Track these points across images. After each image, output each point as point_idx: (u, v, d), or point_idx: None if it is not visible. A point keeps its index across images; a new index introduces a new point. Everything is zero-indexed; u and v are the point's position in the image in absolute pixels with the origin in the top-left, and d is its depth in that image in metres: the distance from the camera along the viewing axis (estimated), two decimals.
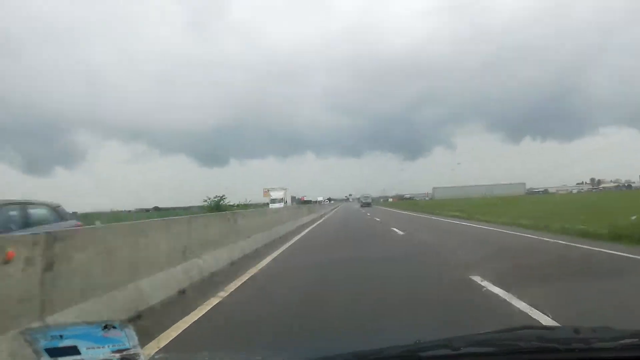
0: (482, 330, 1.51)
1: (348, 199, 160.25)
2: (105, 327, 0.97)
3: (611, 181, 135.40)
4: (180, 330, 3.79)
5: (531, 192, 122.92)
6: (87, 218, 17.60)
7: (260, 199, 60.48)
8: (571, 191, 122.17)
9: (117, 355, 1.00)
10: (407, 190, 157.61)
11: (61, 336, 0.95)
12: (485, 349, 1.32)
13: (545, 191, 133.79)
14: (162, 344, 3.43)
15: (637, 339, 1.29)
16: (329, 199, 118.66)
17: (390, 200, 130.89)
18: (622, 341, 1.28)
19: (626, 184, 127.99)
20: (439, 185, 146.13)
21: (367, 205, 67.19)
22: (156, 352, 3.17)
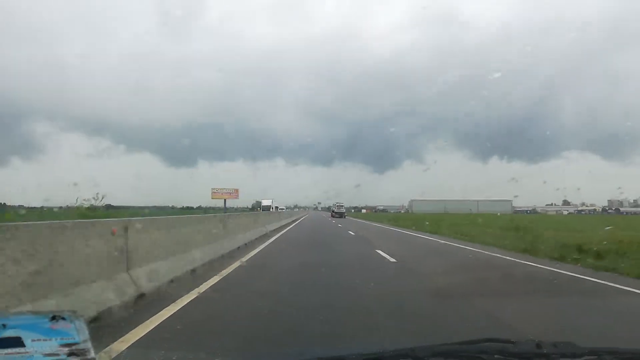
0: None
1: (317, 207, 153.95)
2: (54, 318, 0.90)
3: (587, 205, 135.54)
4: (216, 280, 6.60)
5: (518, 211, 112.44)
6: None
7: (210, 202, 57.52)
8: (561, 212, 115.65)
9: (65, 349, 0.93)
10: (379, 202, 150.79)
11: (4, 325, 0.88)
12: (449, 359, 1.32)
13: (534, 210, 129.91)
14: (206, 287, 6.00)
15: (596, 357, 1.32)
16: (295, 207, 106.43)
17: (364, 211, 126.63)
18: (583, 358, 1.30)
19: (611, 208, 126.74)
20: (415, 198, 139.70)
21: (340, 215, 55.05)
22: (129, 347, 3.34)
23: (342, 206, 59.86)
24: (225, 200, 58.62)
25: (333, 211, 59.47)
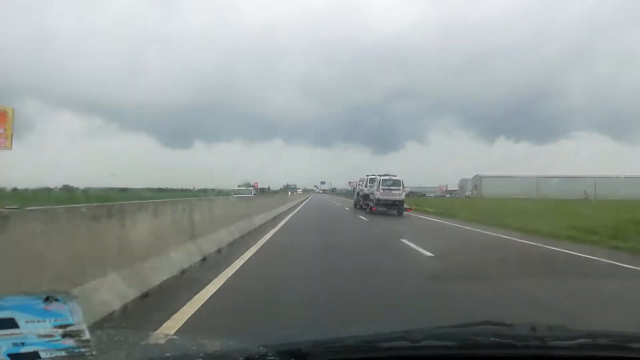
0: None
1: (316, 189, 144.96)
2: (47, 299, 0.89)
3: None
4: (256, 249, 8.44)
5: None
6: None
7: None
8: None
9: (60, 330, 0.93)
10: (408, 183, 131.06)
11: None
12: (443, 342, 1.33)
13: None
14: (248, 255, 7.66)
15: (591, 339, 1.33)
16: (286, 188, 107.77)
17: None
18: (577, 341, 1.31)
19: None
20: (483, 173, 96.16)
21: (395, 208, 22.05)
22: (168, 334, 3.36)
23: (398, 183, 22.53)
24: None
25: (374, 198, 22.97)
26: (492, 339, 1.33)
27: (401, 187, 22.18)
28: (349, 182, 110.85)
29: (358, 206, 28.72)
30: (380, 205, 22.02)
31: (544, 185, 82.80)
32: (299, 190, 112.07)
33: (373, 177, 24.82)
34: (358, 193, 30.17)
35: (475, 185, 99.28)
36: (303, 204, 38.93)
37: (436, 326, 1.45)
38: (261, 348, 1.20)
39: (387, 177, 22.48)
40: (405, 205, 22.77)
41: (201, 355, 1.20)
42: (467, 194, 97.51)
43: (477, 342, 1.31)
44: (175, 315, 3.91)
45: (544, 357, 1.29)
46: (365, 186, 26.42)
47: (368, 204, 24.20)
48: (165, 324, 3.67)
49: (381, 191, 21.92)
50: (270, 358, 1.17)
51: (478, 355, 1.30)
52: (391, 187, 22.00)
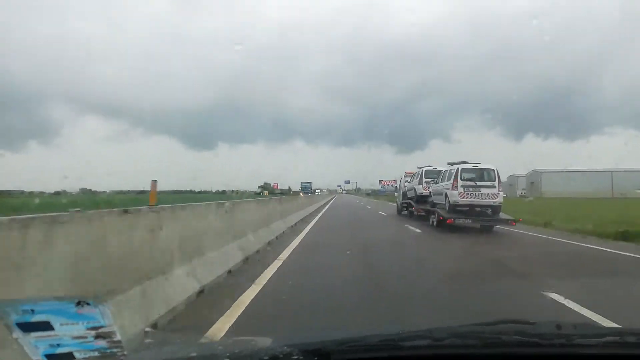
0: None
1: (339, 190, 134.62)
2: (79, 303, 0.96)
3: None
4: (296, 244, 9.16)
5: None
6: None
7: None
8: None
9: (93, 332, 0.99)
10: None
11: (32, 311, 0.94)
12: (466, 341, 1.32)
13: None
14: (291, 248, 8.81)
15: (617, 337, 1.30)
16: (301, 188, 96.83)
17: None
18: (604, 338, 1.28)
19: None
20: (541, 168, 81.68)
21: (485, 215, 13.30)
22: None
23: (491, 175, 13.45)
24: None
25: (446, 202, 13.90)
26: (515, 337, 1.31)
27: (497, 183, 13.18)
28: (380, 181, 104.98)
29: (406, 212, 21.03)
30: (458, 213, 13.12)
31: (621, 181, 69.64)
32: (318, 191, 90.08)
33: (432, 169, 18.26)
34: (404, 194, 21.63)
35: (532, 183, 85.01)
36: (320, 214, 22.59)
37: (459, 325, 1.44)
38: (285, 347, 1.22)
39: (470, 166, 13.54)
40: (506, 215, 13.52)
41: (227, 355, 1.24)
42: (519, 193, 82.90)
43: (501, 340, 1.30)
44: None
45: (569, 356, 1.27)
46: (420, 183, 18.34)
47: (433, 211, 14.98)
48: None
49: (461, 190, 13.07)
50: (295, 357, 1.19)
51: (502, 354, 1.28)
52: (479, 183, 13.15)
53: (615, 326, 1.11)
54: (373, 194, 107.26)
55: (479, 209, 13.31)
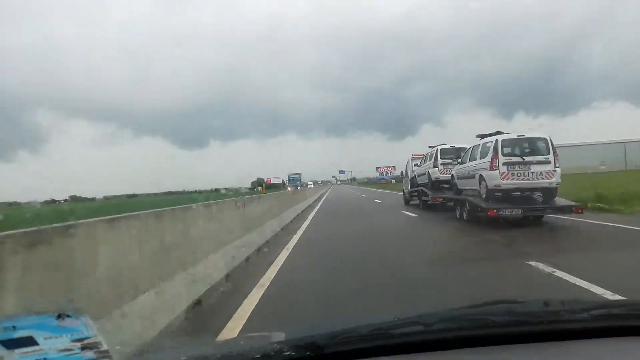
0: None
1: (334, 180, 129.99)
2: (59, 316, 0.95)
3: None
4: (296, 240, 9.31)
5: None
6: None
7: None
8: None
9: (78, 344, 0.99)
10: None
11: (14, 327, 0.94)
12: (457, 324, 1.32)
13: None
14: (293, 244, 8.76)
15: (605, 310, 1.31)
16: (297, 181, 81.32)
17: None
18: (591, 312, 1.29)
19: None
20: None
21: (534, 203, 9.91)
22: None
23: (542, 147, 9.82)
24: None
25: (479, 188, 10.43)
26: (505, 317, 1.32)
27: (551, 157, 9.75)
28: (377, 168, 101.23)
29: (417, 201, 17.86)
30: (502, 201, 9.77)
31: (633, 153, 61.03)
32: (310, 184, 74.81)
33: (449, 147, 14.87)
34: (412, 180, 18.12)
35: None
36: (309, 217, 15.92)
37: (449, 308, 1.45)
38: (275, 344, 1.22)
39: (513, 137, 10.10)
40: (566, 200, 10.08)
41: (219, 356, 1.23)
42: None
43: (491, 321, 1.31)
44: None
45: (558, 332, 1.28)
46: (435, 166, 14.71)
47: (461, 200, 11.57)
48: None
49: (504, 169, 9.67)
50: (286, 353, 1.19)
51: (493, 335, 1.29)
52: (527, 159, 9.71)
53: (604, 300, 1.13)
54: (369, 182, 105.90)
55: (528, 193, 10.13)
